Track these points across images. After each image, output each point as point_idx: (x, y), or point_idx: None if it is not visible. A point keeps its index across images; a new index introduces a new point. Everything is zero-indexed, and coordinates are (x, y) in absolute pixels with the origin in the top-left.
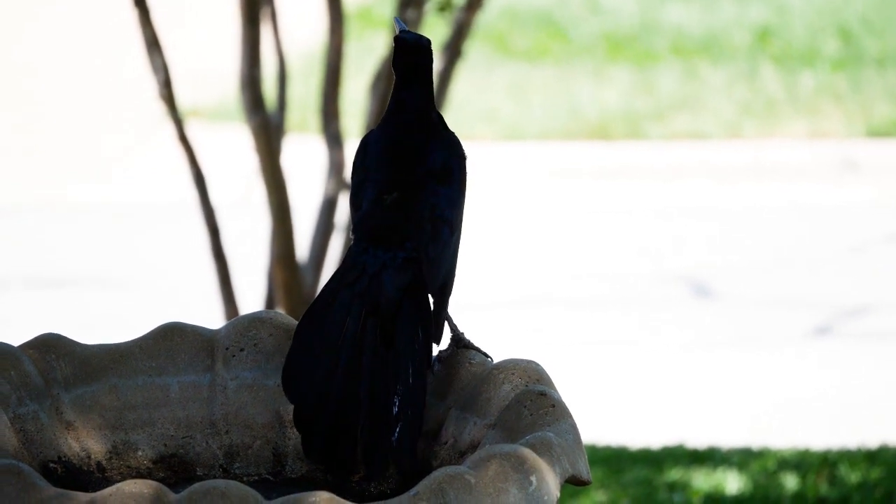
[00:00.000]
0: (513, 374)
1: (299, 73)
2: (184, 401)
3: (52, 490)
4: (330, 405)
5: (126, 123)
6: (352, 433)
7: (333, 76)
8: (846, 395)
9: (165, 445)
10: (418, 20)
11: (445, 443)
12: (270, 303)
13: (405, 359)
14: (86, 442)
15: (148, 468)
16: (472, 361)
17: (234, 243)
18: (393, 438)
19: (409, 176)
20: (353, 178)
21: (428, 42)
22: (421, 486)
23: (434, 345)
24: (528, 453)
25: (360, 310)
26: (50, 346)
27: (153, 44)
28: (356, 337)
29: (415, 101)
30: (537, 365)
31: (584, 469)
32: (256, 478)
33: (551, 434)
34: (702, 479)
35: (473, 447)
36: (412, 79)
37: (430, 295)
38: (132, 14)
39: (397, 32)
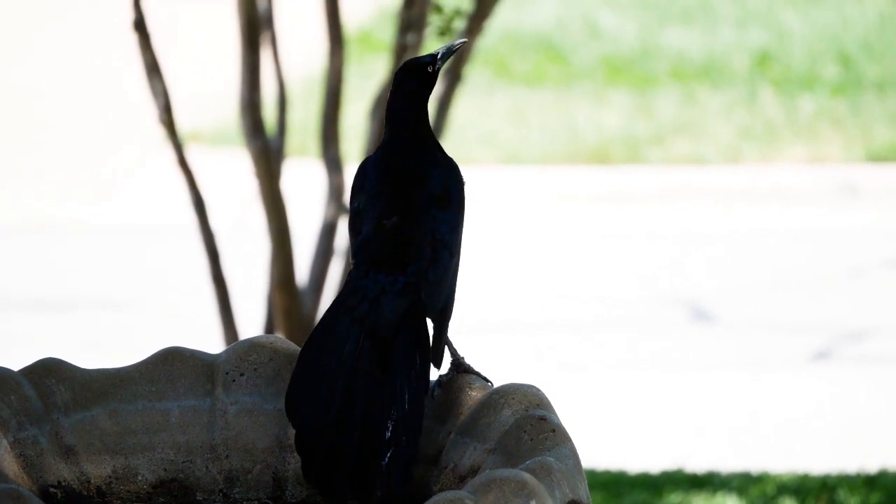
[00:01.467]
0: (513, 398)
1: (299, 98)
2: (184, 425)
3: None
4: (328, 430)
5: (128, 145)
6: (347, 458)
7: (333, 100)
8: (846, 419)
9: (165, 470)
10: (419, 44)
11: (445, 467)
12: (270, 327)
13: (401, 384)
14: (85, 466)
15: (148, 493)
16: (473, 386)
17: (233, 267)
18: (383, 463)
19: (409, 201)
20: (352, 202)
21: (424, 66)
22: None
23: (434, 369)
24: (528, 478)
25: (359, 334)
26: (50, 371)
27: (153, 68)
28: (354, 362)
29: (413, 126)
30: (537, 389)
31: (583, 494)
32: (256, 502)
33: (551, 459)
34: None
35: (473, 472)
36: (410, 104)
37: (429, 319)
38: (132, 38)
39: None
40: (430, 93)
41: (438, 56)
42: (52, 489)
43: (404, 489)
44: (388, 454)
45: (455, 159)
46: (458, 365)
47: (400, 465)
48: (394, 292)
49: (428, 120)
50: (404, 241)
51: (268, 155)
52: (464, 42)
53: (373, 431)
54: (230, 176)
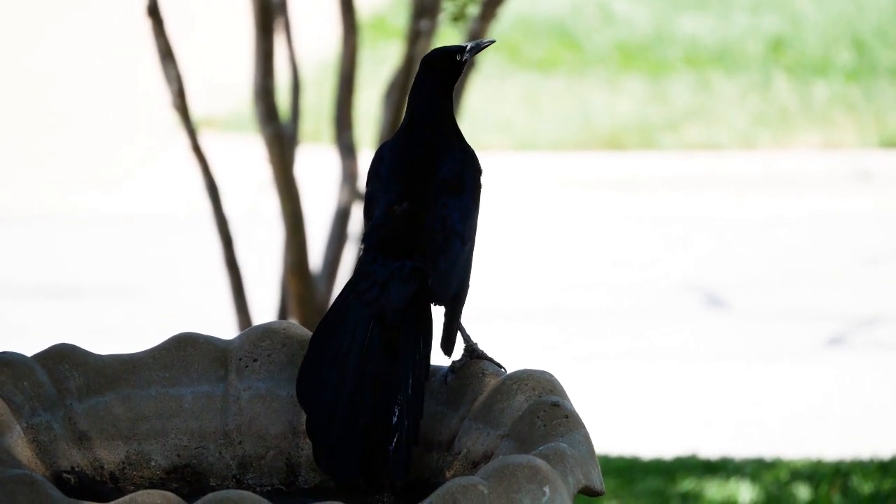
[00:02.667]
0: (526, 384)
1: (313, 83)
2: (197, 411)
3: (66, 500)
4: (338, 415)
5: (141, 133)
6: (358, 443)
7: (347, 86)
8: (859, 405)
9: (179, 456)
10: (432, 30)
11: (458, 453)
12: (283, 313)
13: (406, 369)
14: (99, 452)
15: (161, 479)
16: (486, 372)
17: (247, 253)
18: (390, 448)
19: (422, 187)
20: (367, 188)
21: (452, 55)
22: (434, 497)
23: (446, 356)
24: (541, 464)
25: (368, 319)
26: (63, 356)
27: (167, 54)
28: (364, 347)
29: (433, 113)
30: (550, 375)
31: (597, 480)
32: (269, 488)
33: (564, 445)
34: (714, 490)
35: (486, 458)
36: (433, 91)
37: (441, 305)
38: (146, 25)
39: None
40: (454, 82)
41: (467, 49)
42: (65, 475)
43: (407, 473)
44: (395, 438)
45: (469, 145)
46: (472, 351)
47: (403, 450)
48: (401, 277)
49: (451, 108)
50: (413, 228)
51: (281, 141)
52: (493, 42)
53: (381, 416)
54: (244, 162)
